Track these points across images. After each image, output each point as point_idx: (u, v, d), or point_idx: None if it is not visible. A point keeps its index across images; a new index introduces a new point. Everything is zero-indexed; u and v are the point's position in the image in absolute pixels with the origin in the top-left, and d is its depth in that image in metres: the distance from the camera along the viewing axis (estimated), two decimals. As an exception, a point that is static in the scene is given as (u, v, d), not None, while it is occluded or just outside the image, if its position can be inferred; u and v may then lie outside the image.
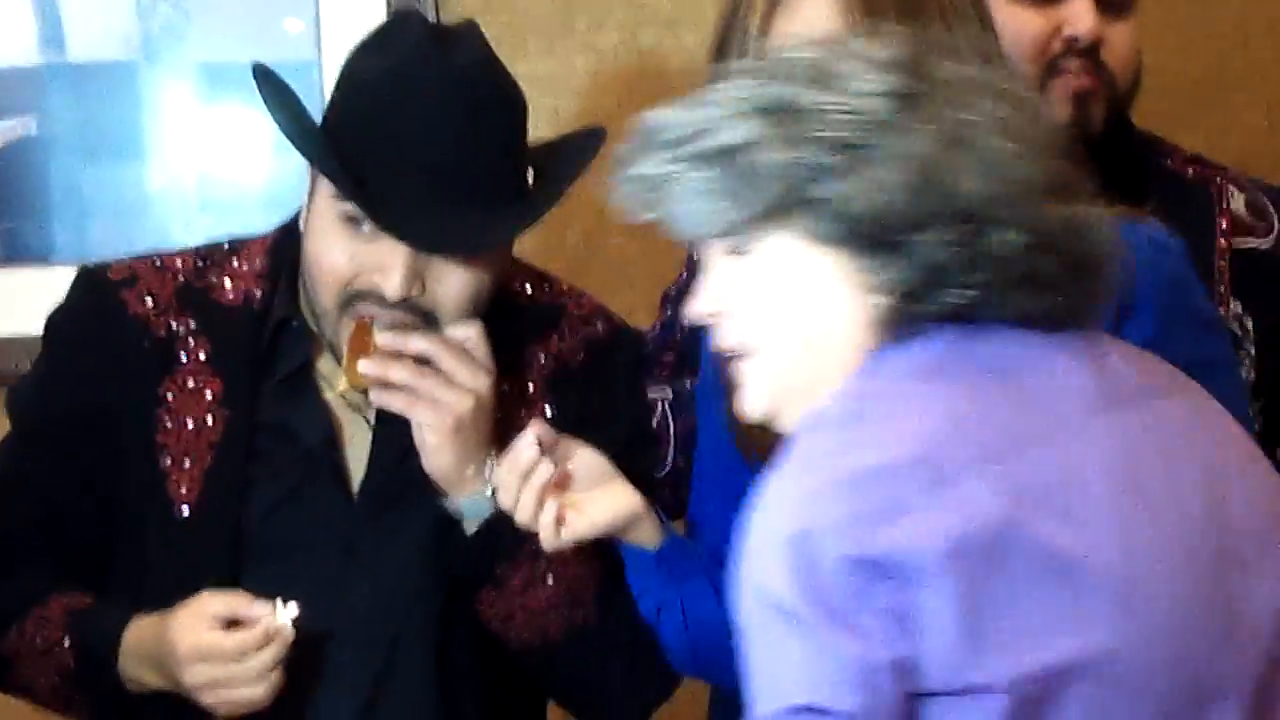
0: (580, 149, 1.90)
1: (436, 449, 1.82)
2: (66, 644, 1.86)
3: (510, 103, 1.83)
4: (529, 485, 1.69)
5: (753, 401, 1.43)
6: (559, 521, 1.68)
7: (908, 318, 1.37)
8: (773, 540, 1.27)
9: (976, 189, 1.35)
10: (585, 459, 1.76)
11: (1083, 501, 1.33)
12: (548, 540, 1.72)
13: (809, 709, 1.24)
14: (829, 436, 1.33)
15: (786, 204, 1.37)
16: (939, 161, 1.36)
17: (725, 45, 1.75)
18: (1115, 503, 1.34)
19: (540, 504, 1.69)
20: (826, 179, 1.36)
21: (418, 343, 1.81)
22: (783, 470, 1.31)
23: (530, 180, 1.84)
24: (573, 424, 1.89)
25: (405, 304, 1.78)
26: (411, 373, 1.81)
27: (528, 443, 1.72)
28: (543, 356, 1.92)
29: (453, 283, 1.80)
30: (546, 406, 1.92)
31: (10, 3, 2.58)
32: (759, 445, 1.72)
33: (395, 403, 1.84)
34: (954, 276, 1.35)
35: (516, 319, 1.92)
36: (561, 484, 1.72)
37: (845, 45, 1.44)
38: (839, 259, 1.37)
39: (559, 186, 1.86)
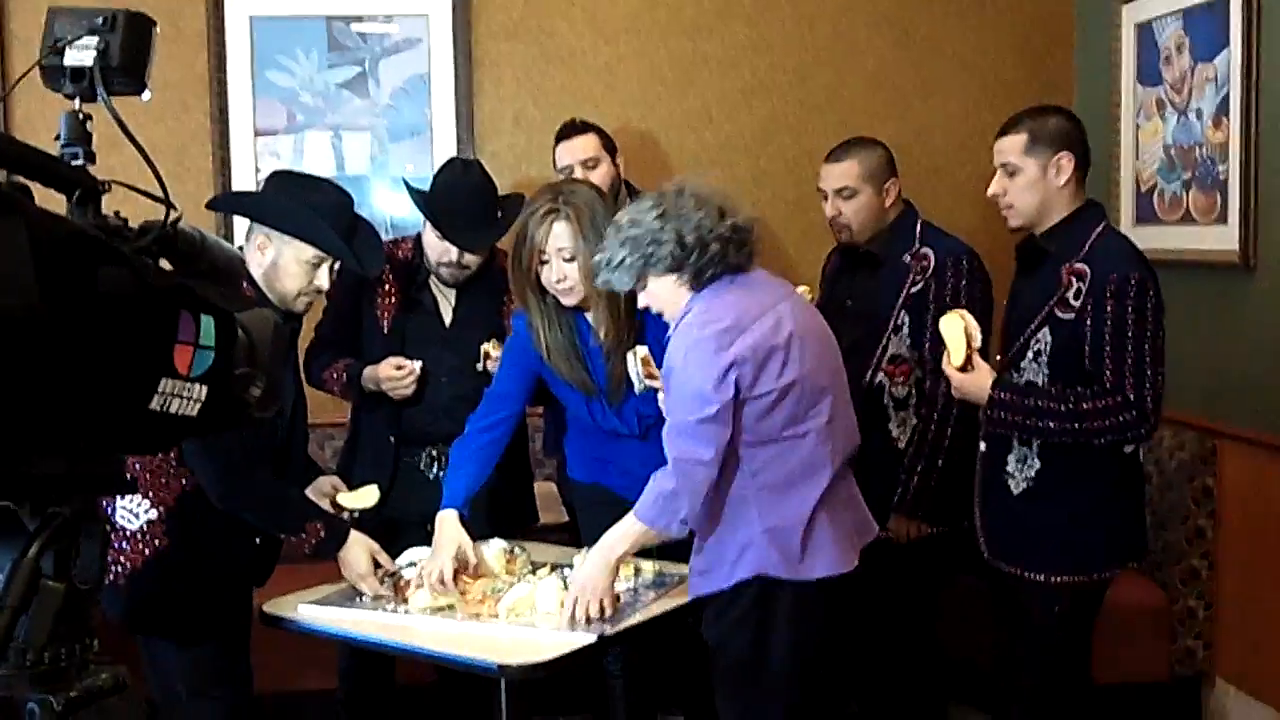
0: (515, 206, 3.31)
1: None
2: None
3: (492, 187, 3.40)
4: None
5: (646, 305, 2.69)
6: None
7: (697, 283, 2.63)
8: (704, 337, 2.50)
9: (691, 239, 2.58)
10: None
11: (782, 334, 2.55)
12: None
13: (708, 393, 2.49)
14: (708, 315, 2.52)
15: (645, 264, 2.59)
16: (677, 234, 2.59)
17: (517, 253, 2.96)
18: (795, 330, 2.55)
19: None
20: (657, 251, 2.58)
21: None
22: (700, 324, 2.51)
23: (500, 216, 3.37)
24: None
25: (457, 264, 3.35)
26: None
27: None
28: (501, 278, 3.38)
29: (472, 258, 3.37)
30: (504, 297, 3.42)
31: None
32: (584, 387, 3.11)
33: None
34: (707, 265, 2.59)
35: (492, 263, 3.47)
36: None
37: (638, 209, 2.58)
38: (670, 274, 2.61)
39: (508, 224, 3.29)
